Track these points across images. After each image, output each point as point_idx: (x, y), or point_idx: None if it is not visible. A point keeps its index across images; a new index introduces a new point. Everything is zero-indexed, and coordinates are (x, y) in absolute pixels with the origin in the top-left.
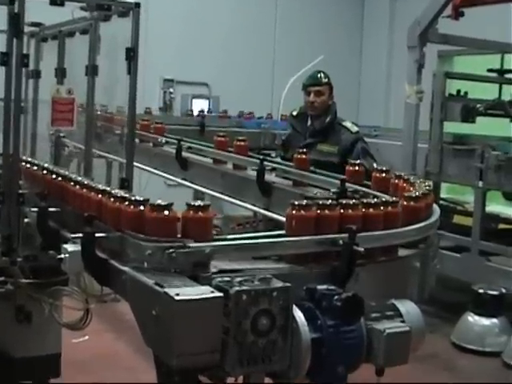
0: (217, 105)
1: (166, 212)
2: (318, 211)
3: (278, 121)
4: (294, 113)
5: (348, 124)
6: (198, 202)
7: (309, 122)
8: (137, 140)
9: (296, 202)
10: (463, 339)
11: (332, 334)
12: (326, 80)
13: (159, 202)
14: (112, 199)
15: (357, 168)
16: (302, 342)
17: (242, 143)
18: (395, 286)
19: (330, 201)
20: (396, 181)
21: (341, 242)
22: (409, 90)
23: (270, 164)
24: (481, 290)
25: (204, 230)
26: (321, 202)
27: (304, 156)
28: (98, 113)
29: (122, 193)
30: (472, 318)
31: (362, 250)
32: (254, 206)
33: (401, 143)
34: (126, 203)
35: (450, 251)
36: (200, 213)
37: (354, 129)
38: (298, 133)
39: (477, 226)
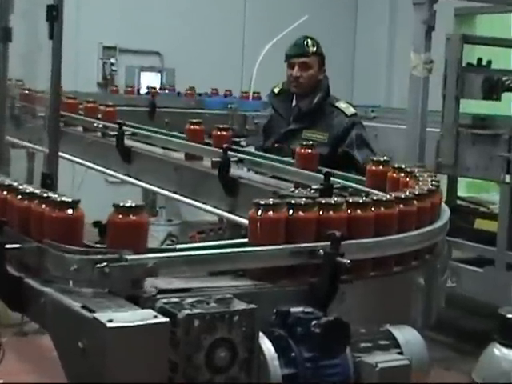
0: (171, 80)
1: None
2: (291, 213)
3: (250, 100)
4: (276, 90)
5: (342, 105)
6: (129, 203)
7: (294, 102)
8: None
9: (262, 202)
10: (488, 377)
11: (309, 370)
12: (315, 49)
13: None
14: (27, 200)
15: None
16: (271, 379)
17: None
18: (391, 308)
19: (306, 200)
20: (394, 174)
21: (321, 252)
22: (415, 59)
23: (236, 154)
24: (509, 315)
25: (136, 238)
26: (294, 201)
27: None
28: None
29: (42, 192)
30: (498, 351)
31: (348, 262)
32: (217, 208)
33: (405, 127)
34: (46, 205)
35: (469, 265)
36: (131, 216)
37: (350, 111)
38: (281, 116)
39: (503, 232)
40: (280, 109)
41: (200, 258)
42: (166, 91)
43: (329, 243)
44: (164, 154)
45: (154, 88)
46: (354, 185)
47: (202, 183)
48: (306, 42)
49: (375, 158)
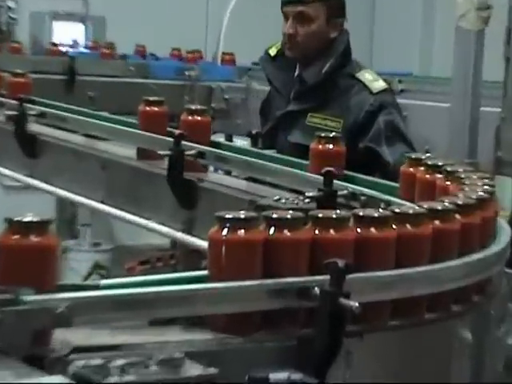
0: (101, 34)
1: None
2: (272, 232)
3: (218, 64)
4: (272, 51)
5: (367, 75)
6: (30, 217)
7: (297, 72)
8: None
9: (228, 216)
10: None
11: None
12: None
13: None
14: None
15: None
16: None
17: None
18: (421, 376)
19: (294, 213)
20: (427, 176)
21: (316, 290)
22: (464, 2)
23: (193, 145)
24: None
25: (41, 269)
26: (276, 215)
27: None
28: None
29: None
30: None
31: (357, 305)
32: (167, 225)
33: (448, 105)
34: None
35: None
36: (33, 236)
37: (378, 85)
38: (277, 91)
39: None
40: (277, 80)
41: (136, 300)
42: (92, 51)
43: (328, 277)
44: (87, 145)
45: (75, 45)
46: (367, 191)
47: (144, 189)
48: None
49: (414, 156)
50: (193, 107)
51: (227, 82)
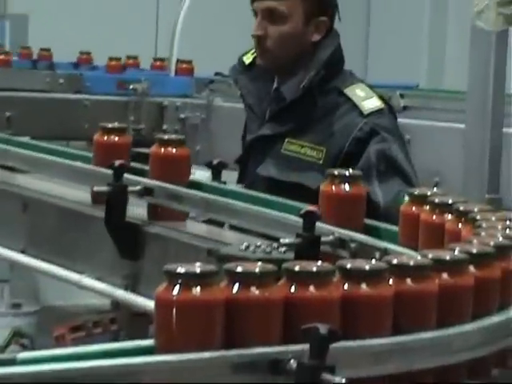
0: (21, 36)
1: None
2: (236, 290)
3: (171, 75)
4: (247, 59)
5: (359, 92)
6: None
7: (275, 85)
8: None
9: (179, 270)
10: None
11: None
12: None
13: None
14: None
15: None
16: None
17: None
18: None
19: (264, 266)
20: (433, 217)
21: (292, 363)
22: None
23: (138, 180)
24: None
25: None
26: (241, 269)
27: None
28: None
29: None
30: None
31: (343, 382)
32: (105, 281)
33: (463, 125)
34: None
35: None
36: None
37: (372, 104)
38: (251, 109)
39: None
40: (251, 95)
41: (64, 379)
42: (7, 57)
43: (307, 347)
44: (3, 180)
45: None
46: (358, 236)
47: (76, 235)
48: None
49: (417, 191)
50: (165, 136)
51: (183, 97)
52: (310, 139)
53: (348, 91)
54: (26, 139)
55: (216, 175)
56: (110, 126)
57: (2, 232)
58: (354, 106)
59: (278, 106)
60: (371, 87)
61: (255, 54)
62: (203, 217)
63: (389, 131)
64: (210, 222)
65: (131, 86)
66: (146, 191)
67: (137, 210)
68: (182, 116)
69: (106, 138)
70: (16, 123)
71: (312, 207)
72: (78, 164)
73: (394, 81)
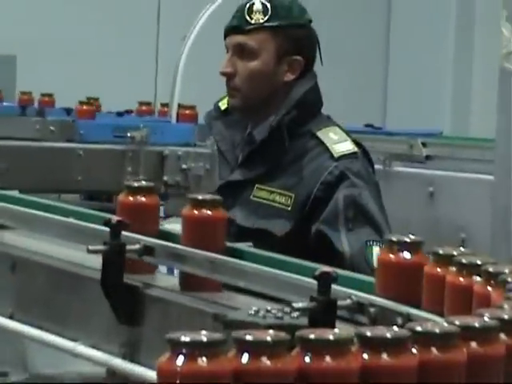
0: (9, 79)
1: None
2: (246, 361)
3: (172, 121)
4: (223, 105)
5: (332, 134)
6: None
7: (248, 129)
8: None
9: (183, 338)
10: None
11: None
12: (267, 17)
13: None
14: None
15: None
16: None
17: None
18: None
19: (277, 335)
20: (460, 278)
21: None
22: (509, 37)
23: (138, 237)
24: None
25: None
26: (251, 337)
27: None
28: None
29: None
30: None
31: None
32: (100, 349)
33: (491, 177)
34: None
35: None
36: None
37: (344, 147)
38: (224, 157)
39: None
40: (224, 141)
41: None
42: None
43: None
44: None
45: None
46: (379, 300)
47: (69, 298)
48: (250, 7)
49: (443, 251)
50: (135, 183)
51: (185, 146)
52: (279, 185)
53: (320, 134)
54: (14, 193)
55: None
56: (136, 184)
57: None
58: (326, 149)
59: (248, 150)
60: (346, 131)
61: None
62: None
63: (360, 176)
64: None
65: (129, 134)
66: (146, 250)
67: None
68: (185, 166)
69: (131, 198)
70: (3, 175)
71: (327, 268)
72: (71, 220)
73: (416, 128)
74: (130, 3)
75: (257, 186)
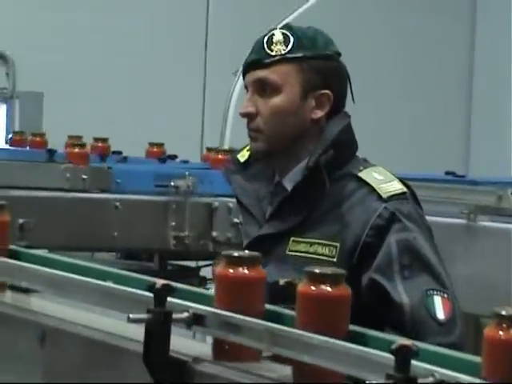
0: (35, 120)
1: None
2: None
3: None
4: (242, 157)
5: (376, 175)
6: None
7: (276, 179)
8: None
9: None
10: None
11: None
12: (289, 48)
13: None
14: None
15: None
16: None
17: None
18: None
19: None
20: None
21: None
22: None
23: (186, 304)
24: None
25: None
26: None
27: None
28: None
29: None
30: None
31: None
32: None
33: None
34: None
35: None
36: None
37: (392, 187)
38: (248, 213)
39: None
40: (246, 195)
41: None
42: (18, 147)
43: None
44: (14, 304)
45: None
46: (467, 378)
47: (107, 374)
48: (269, 38)
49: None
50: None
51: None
52: (320, 235)
53: (363, 175)
54: (42, 252)
55: (287, 296)
56: (236, 254)
57: (14, 370)
58: (372, 190)
59: (279, 199)
60: (390, 171)
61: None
62: (268, 351)
63: (412, 219)
64: (276, 358)
65: (172, 183)
66: (196, 319)
67: (184, 343)
68: (236, 220)
69: (231, 270)
70: (30, 232)
71: (406, 341)
72: (109, 284)
73: (505, 176)
74: (174, 30)
75: (292, 239)
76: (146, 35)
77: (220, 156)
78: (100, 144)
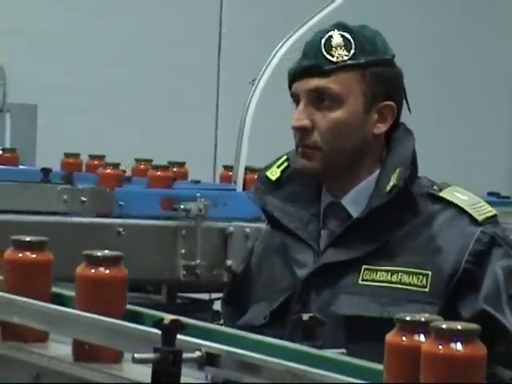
0: (26, 133)
1: None
2: None
3: (237, 189)
4: (273, 174)
5: (460, 196)
6: None
7: (325, 196)
8: None
9: None
10: None
11: None
12: (351, 54)
13: None
14: None
15: None
16: None
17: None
18: None
19: None
20: None
21: None
22: None
23: (197, 342)
24: None
25: None
26: None
27: None
28: None
29: None
30: None
31: None
32: None
33: None
34: None
35: None
36: None
37: (485, 209)
38: (298, 238)
39: None
40: (289, 219)
41: None
42: (9, 166)
43: None
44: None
45: None
46: None
47: None
48: (327, 41)
49: None
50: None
51: (254, 221)
52: (403, 262)
53: (446, 194)
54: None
55: (308, 333)
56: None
57: None
58: (462, 212)
59: (349, 222)
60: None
61: (283, 167)
62: None
63: (508, 243)
64: None
65: (182, 206)
66: (209, 359)
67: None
68: (253, 244)
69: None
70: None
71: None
72: (112, 320)
73: None
74: (184, 33)
75: (364, 267)
76: (150, 40)
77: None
78: (96, 162)
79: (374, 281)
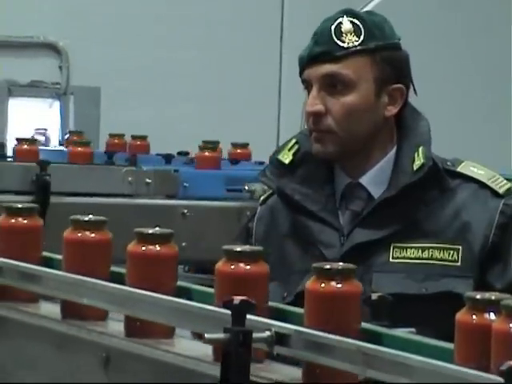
0: (91, 118)
1: None
2: None
3: None
4: (285, 157)
5: (478, 171)
6: None
7: (339, 180)
8: None
9: None
10: None
11: None
12: (361, 39)
13: None
14: None
15: None
16: None
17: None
18: None
19: None
20: None
21: None
22: None
23: (270, 323)
24: None
25: None
26: None
27: None
28: None
29: None
30: None
31: None
32: None
33: None
34: None
35: None
36: None
37: (501, 182)
38: (321, 222)
39: None
40: (309, 201)
41: None
42: (75, 148)
43: None
44: (74, 323)
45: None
46: None
47: None
48: (337, 27)
49: None
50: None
51: None
52: (433, 238)
53: (464, 169)
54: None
55: (378, 312)
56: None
57: None
58: (483, 186)
59: (377, 201)
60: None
61: (294, 150)
62: (362, 374)
63: None
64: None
65: (246, 187)
66: (279, 339)
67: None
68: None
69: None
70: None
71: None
72: (181, 301)
73: None
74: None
75: (393, 245)
76: (214, 25)
77: None
78: (138, 142)
79: (405, 258)
